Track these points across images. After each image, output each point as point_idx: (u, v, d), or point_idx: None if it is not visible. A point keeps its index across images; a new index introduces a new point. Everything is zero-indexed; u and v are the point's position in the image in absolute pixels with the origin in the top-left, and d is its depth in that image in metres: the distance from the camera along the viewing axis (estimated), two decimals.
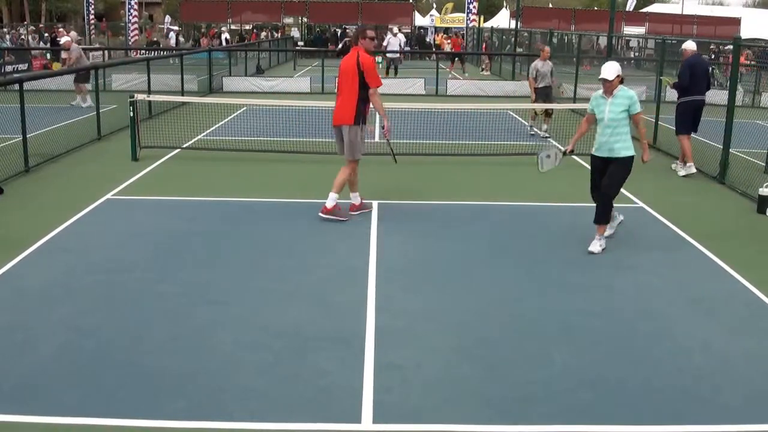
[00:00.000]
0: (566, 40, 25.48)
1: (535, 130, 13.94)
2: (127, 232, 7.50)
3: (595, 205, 7.19)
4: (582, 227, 7.54)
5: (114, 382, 4.45)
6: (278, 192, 9.31)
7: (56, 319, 5.34)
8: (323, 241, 7.28)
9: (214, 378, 4.54)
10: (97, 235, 7.44)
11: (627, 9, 45.79)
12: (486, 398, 4.38)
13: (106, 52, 28.28)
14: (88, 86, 16.50)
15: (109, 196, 8.92)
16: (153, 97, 13.97)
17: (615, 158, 6.95)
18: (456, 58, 33.19)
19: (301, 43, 42.46)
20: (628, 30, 41.13)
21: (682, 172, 10.87)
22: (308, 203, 8.06)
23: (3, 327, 5.21)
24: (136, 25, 38.71)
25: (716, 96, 14.25)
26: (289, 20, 48.04)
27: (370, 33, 7.95)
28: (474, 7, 42.62)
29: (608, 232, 7.28)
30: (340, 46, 33.62)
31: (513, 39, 31.20)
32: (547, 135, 13.83)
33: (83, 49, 18.24)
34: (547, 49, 14.14)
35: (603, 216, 7.07)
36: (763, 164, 11.10)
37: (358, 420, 4.11)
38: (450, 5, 53.71)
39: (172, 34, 39.62)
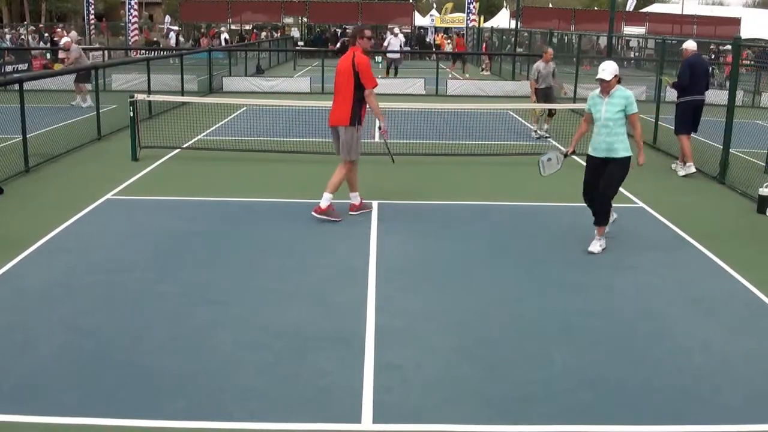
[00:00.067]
0: (566, 40, 25.48)
1: (539, 132, 13.92)
2: (127, 232, 7.50)
3: (589, 206, 7.18)
4: (582, 227, 7.54)
5: (114, 382, 4.45)
6: (278, 192, 9.31)
7: (56, 319, 5.34)
8: (323, 241, 7.28)
9: (214, 378, 4.54)
10: (97, 235, 7.44)
11: (627, 9, 45.79)
12: (486, 398, 4.38)
13: (106, 52, 28.26)
14: (89, 86, 16.51)
15: (109, 196, 8.92)
16: (153, 97, 13.97)
17: (612, 159, 6.92)
18: (458, 59, 33.17)
19: (301, 43, 42.46)
20: (628, 30, 41.14)
21: (681, 172, 10.88)
22: (308, 203, 8.06)
23: (3, 327, 5.21)
24: (136, 25, 38.70)
25: (715, 96, 14.27)
26: (289, 20, 48.04)
27: (368, 33, 7.93)
28: (474, 7, 42.64)
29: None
30: (338, 45, 33.63)
31: (513, 39, 31.20)
32: (547, 135, 13.82)
33: (83, 49, 18.24)
34: (550, 51, 14.09)
35: (602, 217, 7.06)
36: (763, 164, 11.10)
37: (358, 420, 4.11)
38: (450, 5, 53.71)
39: (172, 34, 39.62)
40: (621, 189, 9.35)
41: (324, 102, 8.13)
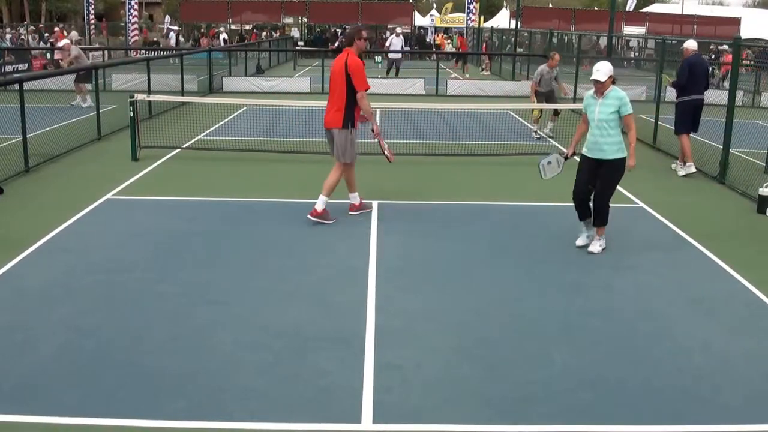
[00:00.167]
0: (566, 40, 25.46)
1: (540, 133, 13.91)
2: (127, 232, 7.50)
3: (577, 208, 7.13)
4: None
5: (114, 382, 4.45)
6: (278, 192, 9.31)
7: (56, 319, 5.34)
8: (323, 241, 7.28)
9: (214, 378, 4.54)
10: (97, 235, 7.44)
11: (627, 9, 45.80)
12: (486, 398, 4.38)
13: (106, 52, 28.27)
14: (89, 86, 16.51)
15: (109, 196, 8.92)
16: (153, 97, 13.97)
17: (606, 160, 6.86)
18: (459, 59, 33.17)
19: (301, 43, 42.47)
20: (628, 30, 41.14)
21: (681, 172, 10.88)
22: (308, 203, 8.05)
23: (3, 327, 5.21)
24: (136, 25, 38.71)
25: (714, 96, 14.27)
26: (289, 20, 48.05)
27: (365, 34, 7.91)
28: (474, 7, 42.65)
29: (585, 235, 7.23)
30: (336, 44, 33.63)
31: (513, 39, 31.20)
32: (551, 134, 13.80)
33: (83, 49, 18.24)
34: (558, 57, 14.03)
35: (601, 218, 7.04)
36: (763, 164, 11.10)
37: (358, 420, 4.11)
38: (450, 5, 53.72)
39: (172, 34, 39.64)
40: (621, 189, 9.38)
41: (324, 102, 8.11)
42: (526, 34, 31.97)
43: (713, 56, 26.71)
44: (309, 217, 7.78)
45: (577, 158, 7.27)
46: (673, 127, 11.18)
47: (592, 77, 6.78)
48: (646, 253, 7.19)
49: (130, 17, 38.03)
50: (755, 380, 4.66)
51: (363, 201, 8.30)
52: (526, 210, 8.76)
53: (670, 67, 15.76)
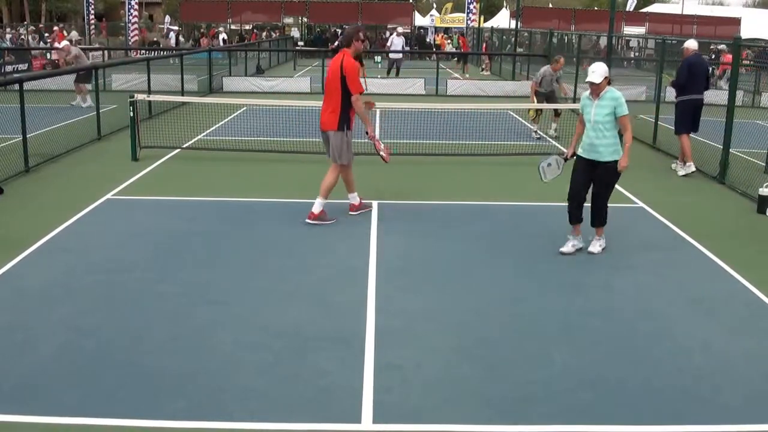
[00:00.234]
0: (566, 40, 25.45)
1: (540, 133, 13.90)
2: (127, 232, 7.50)
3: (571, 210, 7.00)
4: (582, 227, 7.52)
5: (114, 382, 4.45)
6: (278, 192, 9.31)
7: (56, 319, 5.34)
8: (323, 241, 7.28)
9: (214, 378, 4.54)
10: (97, 235, 7.44)
11: (627, 9, 45.79)
12: (486, 398, 4.38)
13: (106, 52, 28.27)
14: (89, 86, 16.51)
15: (109, 196, 8.92)
16: (153, 97, 13.97)
17: (601, 162, 6.79)
18: (461, 59, 33.14)
19: (301, 43, 42.47)
20: (628, 30, 41.12)
21: (681, 172, 10.88)
22: (308, 203, 8.05)
23: (3, 327, 5.21)
24: (136, 25, 38.71)
25: (714, 96, 14.27)
26: (289, 20, 48.05)
27: (362, 35, 7.89)
28: (475, 7, 42.65)
29: (570, 244, 7.07)
30: (336, 44, 33.62)
31: (513, 39, 31.20)
32: (556, 135, 13.79)
33: (83, 49, 18.24)
34: (562, 61, 14.00)
35: (600, 219, 7.02)
36: (763, 164, 11.10)
37: (358, 420, 4.11)
38: (450, 5, 53.73)
39: (172, 34, 39.63)
40: (621, 189, 9.39)
41: None
42: (526, 34, 31.97)
43: (713, 56, 26.69)
44: (307, 220, 7.78)
45: None
46: (673, 127, 11.18)
47: (588, 79, 6.73)
48: (646, 253, 7.19)
49: (130, 17, 38.03)
50: (755, 380, 4.66)
51: (363, 200, 8.30)
52: (526, 210, 8.76)
53: (670, 67, 15.78)
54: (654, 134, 13.35)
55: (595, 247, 7.07)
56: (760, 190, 8.84)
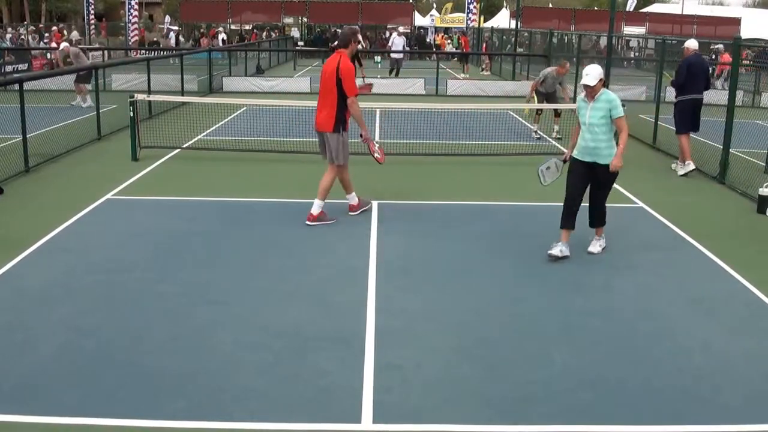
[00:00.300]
0: (566, 40, 25.47)
1: (540, 133, 13.90)
2: (127, 232, 7.50)
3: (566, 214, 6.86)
4: (582, 227, 7.51)
5: (114, 382, 4.45)
6: (278, 192, 9.31)
7: (56, 319, 5.34)
8: (323, 241, 7.28)
9: (214, 378, 4.54)
10: (97, 235, 7.44)
11: (627, 9, 45.79)
12: (486, 398, 4.38)
13: (106, 52, 28.27)
14: (88, 86, 16.51)
15: (109, 196, 8.92)
16: (153, 97, 13.98)
17: (599, 164, 6.72)
18: (463, 59, 33.14)
19: (301, 43, 42.47)
20: (628, 30, 41.12)
21: (681, 171, 10.89)
22: (308, 203, 8.05)
23: (3, 327, 5.21)
24: (136, 25, 38.71)
25: (714, 96, 14.26)
26: (289, 20, 48.04)
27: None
28: (475, 7, 42.64)
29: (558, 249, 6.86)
30: (335, 44, 33.59)
31: (513, 39, 31.21)
32: (559, 136, 13.78)
33: (82, 49, 18.24)
34: (568, 66, 13.98)
35: (600, 219, 7.01)
36: (763, 164, 11.10)
37: (358, 420, 4.11)
38: (450, 5, 53.72)
39: (171, 34, 39.63)
40: (621, 189, 9.40)
41: None
42: (526, 34, 31.98)
43: (713, 56, 26.70)
44: (307, 222, 7.77)
45: None
46: (673, 128, 11.19)
47: (582, 82, 6.67)
48: (646, 253, 7.19)
49: (130, 17, 38.04)
50: (755, 380, 4.66)
51: (362, 198, 8.29)
52: (526, 210, 8.76)
53: (670, 67, 15.78)
54: (654, 134, 13.34)
55: (595, 247, 7.07)
56: (760, 190, 8.84)
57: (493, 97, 21.22)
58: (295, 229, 7.67)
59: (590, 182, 6.89)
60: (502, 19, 48.17)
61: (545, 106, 13.65)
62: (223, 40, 37.94)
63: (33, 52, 28.63)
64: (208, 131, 13.72)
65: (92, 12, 41.86)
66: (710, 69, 13.23)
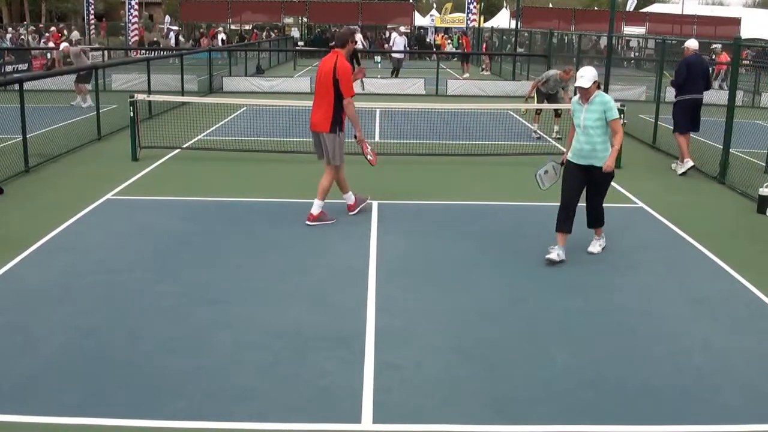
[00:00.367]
0: (566, 40, 25.46)
1: (539, 132, 13.90)
2: (127, 232, 7.50)
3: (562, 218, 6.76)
4: (582, 227, 7.51)
5: (114, 382, 4.45)
6: (278, 192, 9.31)
7: (56, 319, 5.34)
8: (323, 241, 7.28)
9: (214, 378, 4.54)
10: (97, 235, 7.44)
11: (627, 9, 45.79)
12: (486, 398, 4.38)
13: (106, 52, 28.27)
14: (88, 86, 16.51)
15: (109, 196, 8.92)
16: (153, 97, 13.98)
17: (595, 167, 6.66)
18: (463, 59, 33.15)
19: (301, 43, 42.47)
20: (628, 30, 41.12)
21: (679, 170, 10.90)
22: (308, 203, 8.05)
23: (3, 327, 5.21)
24: (136, 25, 38.71)
25: (714, 96, 14.25)
26: (289, 20, 48.04)
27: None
28: (475, 7, 42.64)
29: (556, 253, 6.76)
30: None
31: (513, 39, 31.22)
32: (559, 137, 13.78)
33: (83, 49, 18.24)
34: (573, 73, 13.98)
35: (598, 220, 6.97)
36: (763, 164, 11.11)
37: (358, 420, 4.11)
38: (450, 5, 53.72)
39: (171, 34, 39.63)
40: (621, 189, 9.41)
41: None
42: (526, 34, 31.96)
43: (712, 57, 26.69)
44: (307, 222, 7.77)
45: None
46: (672, 127, 11.21)
47: (576, 84, 6.60)
48: (646, 253, 7.19)
49: (130, 17, 38.04)
50: (755, 380, 4.66)
51: (358, 195, 8.26)
52: (526, 210, 8.76)
53: (670, 67, 15.78)
54: (654, 134, 13.33)
55: (595, 247, 7.07)
56: (760, 190, 8.84)
57: (493, 97, 21.22)
58: (295, 229, 7.67)
59: (586, 185, 6.84)
60: (502, 19, 48.17)
61: (544, 106, 13.64)
62: (222, 40, 37.94)
63: (33, 52, 28.64)
64: (208, 131, 13.72)
65: (92, 12, 41.86)
66: (710, 69, 13.24)
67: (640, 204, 9.01)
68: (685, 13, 46.09)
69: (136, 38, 38.05)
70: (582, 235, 7.23)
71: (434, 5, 58.76)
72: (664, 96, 15.42)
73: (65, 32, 38.55)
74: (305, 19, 45.27)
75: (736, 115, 10.45)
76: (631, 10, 46.39)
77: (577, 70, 19.13)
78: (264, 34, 44.29)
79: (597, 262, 6.87)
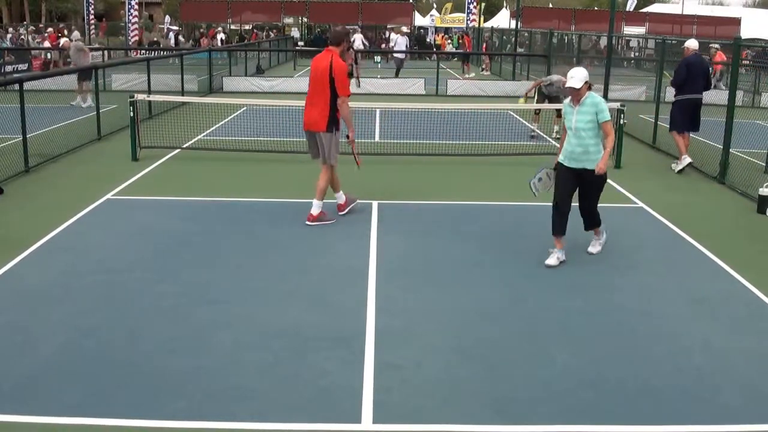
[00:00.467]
0: (566, 40, 25.45)
1: (537, 131, 13.91)
2: (127, 232, 7.50)
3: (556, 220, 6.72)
4: (582, 227, 7.52)
5: (114, 382, 4.45)
6: (278, 192, 9.31)
7: (56, 319, 5.34)
8: (323, 241, 7.28)
9: (214, 378, 4.54)
10: (97, 235, 7.44)
11: (627, 9, 45.79)
12: (486, 398, 4.38)
13: (106, 52, 28.27)
14: (90, 85, 16.50)
15: (109, 196, 8.92)
16: (153, 97, 13.98)
17: (587, 170, 6.57)
18: (464, 59, 33.15)
19: (301, 43, 42.47)
20: (628, 30, 41.11)
21: (677, 168, 10.92)
22: (308, 203, 8.05)
23: (3, 327, 5.21)
24: (136, 25, 38.71)
25: (714, 96, 14.25)
26: (289, 20, 48.04)
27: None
28: (475, 7, 42.64)
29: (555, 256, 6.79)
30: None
31: (513, 39, 31.22)
32: (558, 137, 13.78)
33: (82, 49, 18.24)
34: None
35: (594, 222, 6.93)
36: (763, 164, 11.11)
37: (358, 420, 4.11)
38: (450, 5, 53.71)
39: (171, 34, 39.63)
40: (621, 189, 9.41)
41: None
42: (526, 34, 31.96)
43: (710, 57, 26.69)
44: (307, 222, 7.77)
45: None
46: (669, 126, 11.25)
47: (567, 84, 6.50)
48: (646, 253, 7.19)
49: (130, 17, 38.04)
50: (755, 380, 4.66)
51: (348, 196, 8.23)
52: (526, 210, 8.75)
53: (670, 67, 15.77)
54: (654, 134, 13.33)
55: (595, 246, 7.06)
56: (760, 190, 8.84)
57: (493, 97, 21.22)
58: (295, 229, 7.67)
59: (579, 187, 6.75)
60: (502, 19, 48.17)
61: (544, 106, 13.64)
62: (222, 40, 37.94)
63: (33, 52, 28.64)
64: (208, 131, 13.72)
65: (92, 12, 41.86)
66: (710, 69, 13.24)
67: (640, 204, 9.01)
68: (685, 13, 46.08)
69: (137, 38, 38.06)
70: (582, 234, 7.24)
71: (434, 5, 58.76)
72: (664, 96, 15.42)
73: (65, 32, 38.53)
74: (305, 19, 45.25)
75: (736, 115, 10.44)
76: (631, 10, 46.40)
77: None
78: (264, 34, 44.28)
79: (597, 262, 6.87)
